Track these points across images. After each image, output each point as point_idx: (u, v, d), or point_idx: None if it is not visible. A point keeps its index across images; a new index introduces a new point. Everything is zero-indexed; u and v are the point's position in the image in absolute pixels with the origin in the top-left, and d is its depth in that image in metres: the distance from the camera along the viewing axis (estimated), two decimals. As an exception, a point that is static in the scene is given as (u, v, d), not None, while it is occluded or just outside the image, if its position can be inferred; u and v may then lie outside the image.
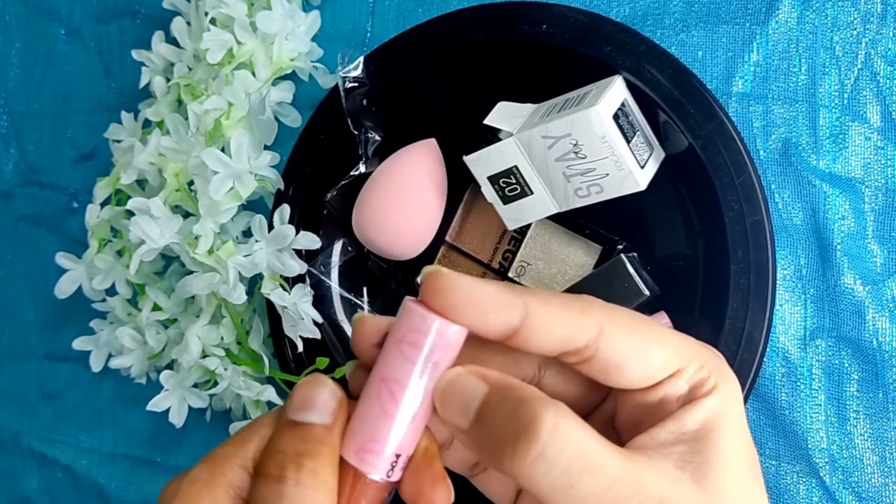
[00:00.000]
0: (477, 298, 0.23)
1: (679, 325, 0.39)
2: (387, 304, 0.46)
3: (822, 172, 0.38)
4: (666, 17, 0.41)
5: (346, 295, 0.45)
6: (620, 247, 0.41)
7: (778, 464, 0.39)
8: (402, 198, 0.42)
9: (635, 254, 0.40)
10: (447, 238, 0.45)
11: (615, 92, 0.36)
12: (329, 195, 0.44)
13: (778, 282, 0.38)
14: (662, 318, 0.39)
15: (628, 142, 0.36)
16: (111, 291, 0.48)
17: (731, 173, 0.37)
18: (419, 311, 0.23)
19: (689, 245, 0.40)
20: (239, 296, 0.42)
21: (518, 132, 0.38)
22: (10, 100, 0.59)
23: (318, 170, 0.44)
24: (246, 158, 0.42)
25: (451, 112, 0.43)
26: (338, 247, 0.46)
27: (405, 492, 0.25)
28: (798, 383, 0.38)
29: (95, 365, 0.50)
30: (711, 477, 0.23)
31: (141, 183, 0.48)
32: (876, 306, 0.37)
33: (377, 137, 0.44)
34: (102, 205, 0.48)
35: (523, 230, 0.43)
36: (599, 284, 0.39)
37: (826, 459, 0.38)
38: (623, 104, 0.37)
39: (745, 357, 0.37)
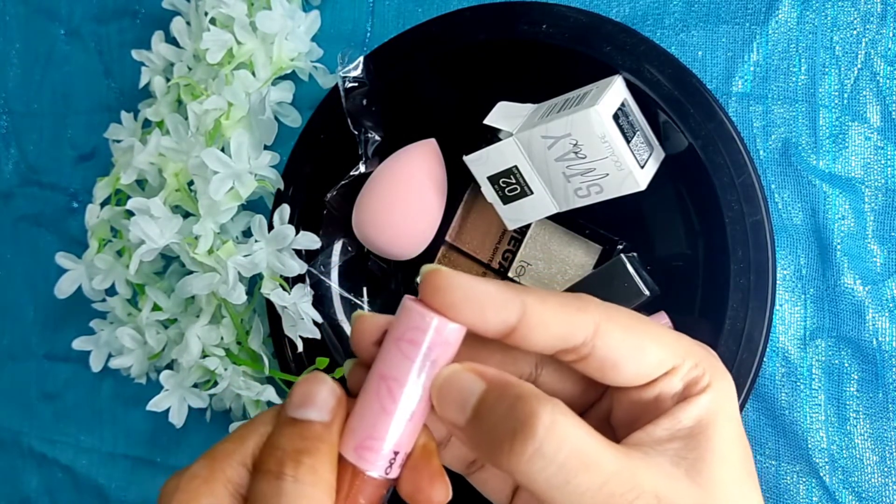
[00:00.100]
0: (475, 297, 0.23)
1: (679, 325, 0.39)
2: (387, 304, 0.46)
3: (822, 172, 0.38)
4: (666, 17, 0.41)
5: (346, 295, 0.45)
6: (620, 247, 0.41)
7: (778, 464, 0.39)
8: (402, 198, 0.42)
9: (635, 254, 0.40)
10: (447, 238, 0.45)
11: (615, 92, 0.36)
12: (329, 195, 0.44)
13: (778, 282, 0.38)
14: (662, 318, 0.39)
15: (628, 142, 0.36)
16: (111, 291, 0.48)
17: (731, 173, 0.37)
18: (418, 309, 0.24)
19: (689, 245, 0.40)
20: (239, 296, 0.42)
21: (518, 132, 0.38)
22: (10, 100, 0.59)
23: (318, 170, 0.44)
24: (246, 158, 0.42)
25: (451, 112, 0.43)
26: (338, 247, 0.46)
27: (403, 489, 0.25)
28: (798, 383, 0.38)
29: (95, 365, 0.50)
30: (706, 473, 0.23)
31: (141, 183, 0.48)
32: (876, 306, 0.37)
33: (377, 137, 0.44)
34: (102, 205, 0.48)
35: (523, 230, 0.43)
36: (599, 284, 0.39)
37: (826, 459, 0.38)
38: (623, 104, 0.37)
39: (745, 357, 0.37)
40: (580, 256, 0.42)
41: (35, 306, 0.58)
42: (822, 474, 0.38)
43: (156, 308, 0.47)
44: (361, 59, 0.43)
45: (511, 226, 0.41)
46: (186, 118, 0.44)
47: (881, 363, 0.37)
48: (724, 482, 0.23)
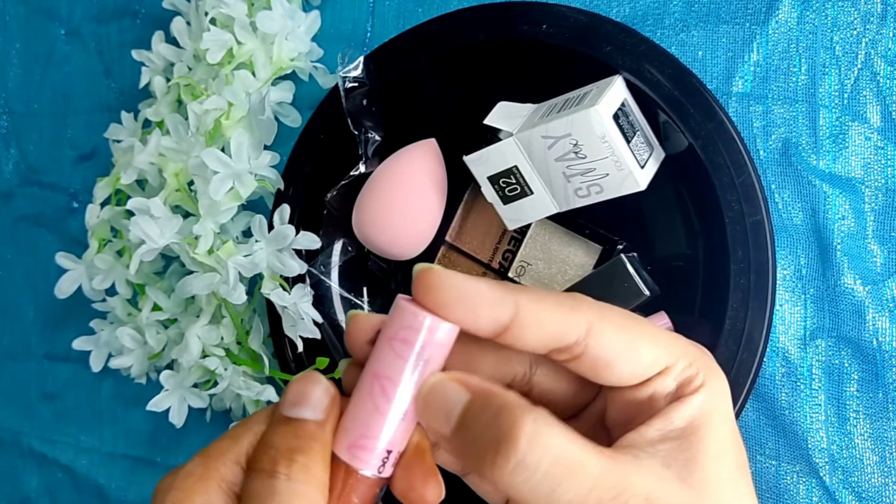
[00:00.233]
0: (468, 295, 0.23)
1: (679, 325, 0.39)
2: (387, 304, 0.46)
3: (822, 172, 0.38)
4: (666, 17, 0.41)
5: (346, 295, 0.45)
6: (620, 247, 0.41)
7: (778, 464, 0.39)
8: (402, 198, 0.42)
9: (635, 254, 0.40)
10: (447, 238, 0.45)
11: (615, 92, 0.36)
12: (329, 195, 0.44)
13: (778, 282, 0.38)
14: (662, 318, 0.39)
15: (628, 142, 0.36)
16: (111, 291, 0.48)
17: (731, 173, 0.37)
18: (411, 308, 0.24)
19: (689, 245, 0.40)
20: (239, 296, 0.42)
21: (518, 132, 0.38)
22: (10, 100, 0.59)
23: (318, 170, 0.44)
24: (246, 158, 0.42)
25: (451, 112, 0.43)
26: (338, 247, 0.46)
27: (396, 487, 0.25)
28: (798, 383, 0.39)
29: (95, 365, 0.50)
30: (698, 474, 0.23)
31: (141, 183, 0.48)
32: (876, 306, 0.37)
33: (377, 137, 0.44)
34: (102, 205, 0.48)
35: (523, 230, 0.43)
36: (599, 284, 0.39)
37: (826, 459, 0.38)
38: (623, 104, 0.37)
39: (745, 357, 0.37)
40: (580, 256, 0.42)
41: (35, 306, 0.58)
42: (822, 474, 0.38)
43: (156, 308, 0.47)
44: (361, 59, 0.43)
45: (511, 226, 0.41)
46: (186, 118, 0.44)
47: (881, 363, 0.37)
48: (716, 482, 0.23)
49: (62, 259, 0.49)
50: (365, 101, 0.43)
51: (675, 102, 0.37)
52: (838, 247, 0.38)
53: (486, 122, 0.39)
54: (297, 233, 0.42)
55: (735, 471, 0.24)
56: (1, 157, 0.59)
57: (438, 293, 0.23)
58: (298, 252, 0.43)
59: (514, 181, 0.39)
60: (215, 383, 0.45)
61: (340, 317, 0.45)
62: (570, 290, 0.41)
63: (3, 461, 0.58)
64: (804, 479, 0.38)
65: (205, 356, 0.44)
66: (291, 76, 0.48)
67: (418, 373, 0.24)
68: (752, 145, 0.39)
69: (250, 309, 0.47)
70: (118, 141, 0.50)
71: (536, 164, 0.38)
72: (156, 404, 0.45)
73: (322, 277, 0.45)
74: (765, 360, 0.38)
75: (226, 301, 0.43)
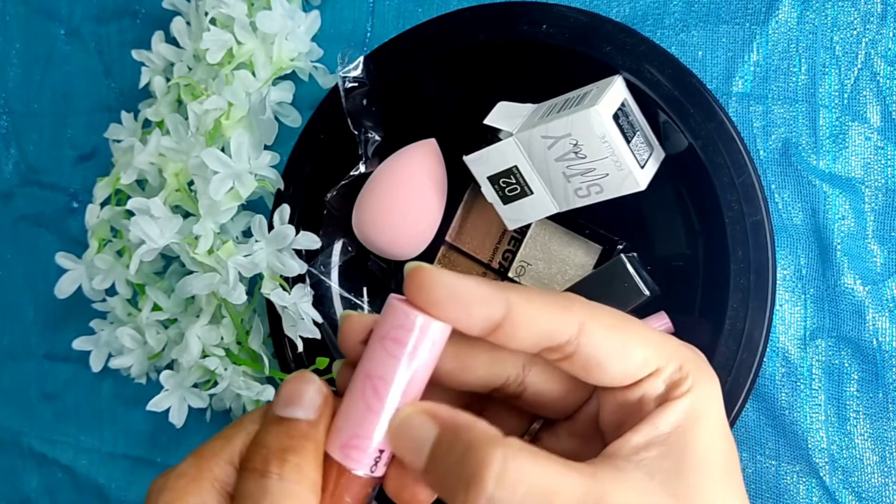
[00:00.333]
0: (459, 294, 0.23)
1: (679, 325, 0.39)
2: (387, 305, 0.46)
3: (822, 172, 0.38)
4: (666, 17, 0.41)
5: (346, 295, 0.45)
6: (620, 247, 0.41)
7: (778, 464, 0.39)
8: (402, 198, 0.42)
9: (635, 254, 0.40)
10: (447, 238, 0.45)
11: (615, 92, 0.36)
12: (329, 195, 0.44)
13: (778, 282, 0.38)
14: (662, 318, 0.39)
15: (628, 142, 0.36)
16: (111, 291, 0.48)
17: (731, 173, 0.37)
18: (402, 307, 0.24)
19: (689, 245, 0.40)
20: (239, 296, 0.42)
21: (518, 132, 0.38)
22: (10, 100, 0.59)
23: (318, 170, 0.44)
24: (246, 158, 0.42)
25: (451, 112, 0.43)
26: (338, 247, 0.46)
27: (389, 487, 0.25)
28: (798, 383, 0.39)
29: (95, 365, 0.50)
30: (683, 481, 0.23)
31: (141, 183, 0.48)
32: (876, 306, 0.37)
33: (377, 137, 0.44)
34: (102, 205, 0.48)
35: (523, 230, 0.43)
36: (599, 284, 0.39)
37: (826, 459, 0.38)
38: (623, 104, 0.37)
39: (745, 357, 0.37)
40: (580, 256, 0.42)
41: (35, 306, 0.58)
42: (822, 474, 0.38)
43: (156, 308, 0.47)
44: (361, 59, 0.43)
45: (511, 226, 0.41)
46: (186, 118, 0.44)
47: (881, 363, 0.37)
48: (701, 488, 0.23)
49: (62, 259, 0.49)
50: (365, 101, 0.43)
51: (675, 102, 0.37)
52: (838, 247, 0.38)
53: (486, 122, 0.39)
54: (297, 233, 0.42)
55: (723, 476, 0.24)
56: (1, 157, 0.59)
57: (430, 291, 0.23)
58: (298, 252, 0.43)
59: (514, 181, 0.39)
60: (215, 383, 0.45)
61: (340, 317, 0.45)
62: (569, 290, 0.41)
63: (3, 461, 0.58)
64: (804, 479, 0.38)
65: (205, 356, 0.44)
66: (291, 76, 0.48)
67: (411, 372, 0.24)
68: (752, 145, 0.39)
69: (250, 309, 0.47)
70: (118, 141, 0.50)
71: (536, 164, 0.38)
72: (156, 404, 0.45)
73: (322, 277, 0.45)
74: (765, 360, 0.38)
75: (226, 301, 0.43)
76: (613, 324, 0.24)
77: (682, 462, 0.23)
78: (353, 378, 0.24)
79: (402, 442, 0.24)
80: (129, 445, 0.54)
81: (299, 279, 0.44)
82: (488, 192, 0.40)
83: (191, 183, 0.44)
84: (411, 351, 0.23)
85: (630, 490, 0.22)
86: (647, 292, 0.38)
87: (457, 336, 0.24)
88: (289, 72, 0.47)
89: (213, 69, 0.46)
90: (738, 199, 0.37)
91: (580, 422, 0.27)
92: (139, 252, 0.42)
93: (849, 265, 0.38)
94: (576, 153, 0.37)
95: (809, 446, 0.38)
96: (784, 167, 0.39)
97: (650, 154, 0.38)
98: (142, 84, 0.50)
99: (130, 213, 0.44)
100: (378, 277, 0.46)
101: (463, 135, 0.41)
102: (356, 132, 0.43)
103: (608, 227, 0.41)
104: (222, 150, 0.42)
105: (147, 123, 0.49)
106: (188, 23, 0.48)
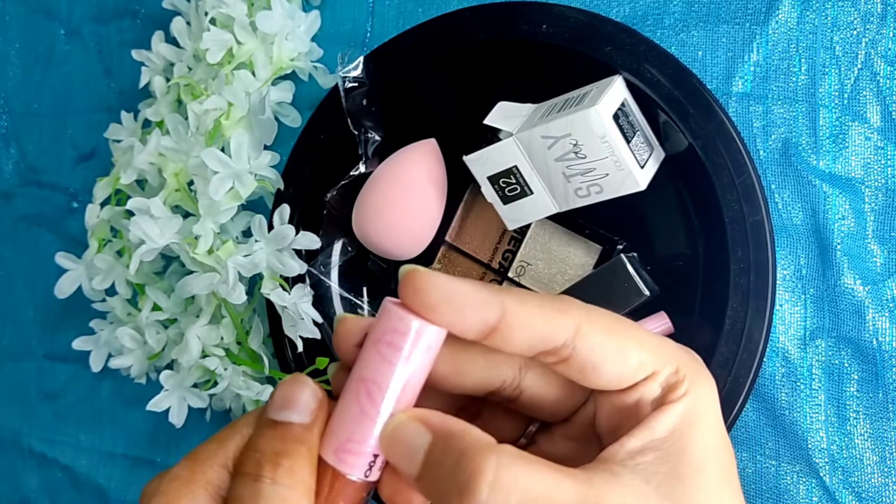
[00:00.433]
0: (454, 297, 0.23)
1: (679, 325, 0.39)
2: (387, 305, 0.46)
3: (822, 172, 0.38)
4: (666, 17, 0.41)
5: (346, 295, 0.45)
6: (620, 247, 0.41)
7: (778, 464, 0.39)
8: (402, 198, 0.42)
9: (635, 254, 0.40)
10: (447, 238, 0.45)
11: (615, 92, 0.36)
12: (329, 195, 0.44)
13: (778, 282, 0.38)
14: (662, 318, 0.39)
15: (628, 142, 0.36)
16: (111, 291, 0.48)
17: (731, 173, 0.37)
18: (397, 311, 0.23)
19: (689, 245, 0.40)
20: (239, 296, 0.42)
21: (518, 132, 0.38)
22: (10, 100, 0.59)
23: (318, 170, 0.44)
24: (246, 158, 0.42)
25: (451, 112, 0.43)
26: (338, 247, 0.46)
27: (383, 492, 0.25)
28: (798, 383, 0.38)
29: (95, 365, 0.50)
30: (679, 486, 0.23)
31: (141, 183, 0.48)
32: (876, 306, 0.37)
33: (377, 137, 0.44)
34: (102, 205, 0.48)
35: (523, 230, 0.43)
36: (599, 284, 0.39)
37: (826, 459, 0.38)
38: (623, 104, 0.37)
39: (745, 357, 0.37)
40: (580, 256, 0.42)
41: (35, 306, 0.58)
42: (822, 474, 0.38)
43: (156, 308, 0.47)
44: (361, 59, 0.43)
45: (511, 226, 0.41)
46: (186, 118, 0.44)
47: (881, 363, 0.37)
48: (698, 493, 0.23)
49: (62, 259, 0.49)
50: (365, 101, 0.43)
51: (675, 102, 0.37)
52: (838, 247, 0.38)
53: (486, 122, 0.39)
54: (297, 233, 0.42)
55: (720, 481, 0.24)
56: (1, 157, 0.59)
57: (425, 295, 0.23)
58: (298, 252, 0.43)
59: (513, 181, 0.39)
60: (215, 383, 0.45)
61: (340, 317, 0.45)
62: (570, 290, 0.41)
63: (3, 461, 0.58)
64: (804, 479, 0.38)
65: (205, 356, 0.44)
66: (291, 76, 0.48)
67: (406, 376, 0.24)
68: (752, 145, 0.39)
69: (250, 309, 0.47)
70: (118, 141, 0.50)
71: (536, 164, 0.38)
72: (156, 404, 0.45)
73: (322, 277, 0.45)
74: (765, 360, 0.38)
75: (226, 301, 0.43)
76: (610, 327, 0.24)
77: (678, 467, 0.23)
78: (347, 381, 0.24)
79: (395, 449, 0.23)
80: (128, 445, 0.54)
81: (299, 279, 0.44)
82: (488, 192, 0.40)
83: (191, 183, 0.44)
84: (406, 355, 0.23)
85: (626, 495, 0.22)
86: (647, 292, 0.38)
87: (452, 339, 0.24)
88: (289, 72, 0.47)
89: (213, 69, 0.46)
90: (738, 199, 0.37)
91: (576, 425, 0.27)
92: (139, 252, 0.42)
93: (849, 265, 0.38)
94: (576, 153, 0.37)
95: (809, 446, 0.38)
96: (784, 167, 0.39)
97: (650, 154, 0.38)
98: (142, 84, 0.50)
99: (130, 213, 0.44)
100: (378, 277, 0.46)
101: (463, 135, 0.41)
102: (356, 132, 0.43)
103: (608, 227, 0.41)
104: (222, 150, 0.42)
105: (147, 123, 0.49)
106: (188, 23, 0.48)
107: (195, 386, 0.46)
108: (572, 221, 0.42)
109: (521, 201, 0.40)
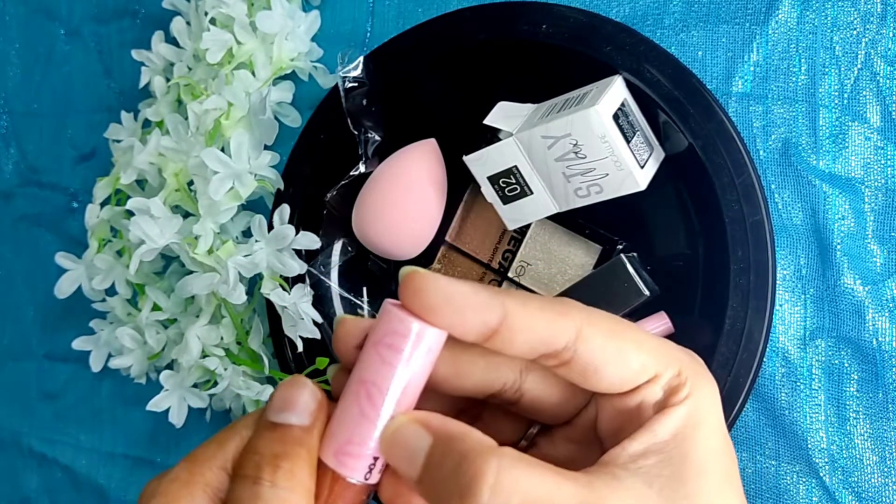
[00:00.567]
0: (455, 299, 0.23)
1: (679, 325, 0.39)
2: (387, 305, 0.46)
3: (822, 172, 0.38)
4: (666, 17, 0.41)
5: (346, 295, 0.45)
6: (620, 247, 0.41)
7: (778, 464, 0.39)
8: (402, 198, 0.42)
9: (635, 254, 0.40)
10: (447, 238, 0.45)
11: (615, 92, 0.36)
12: (329, 195, 0.44)
13: (778, 282, 0.38)
14: (662, 318, 0.39)
15: (628, 142, 0.36)
16: (111, 291, 0.48)
17: (731, 173, 0.37)
18: (398, 313, 0.23)
19: (689, 245, 0.40)
20: (239, 296, 0.42)
21: (518, 132, 0.38)
22: (10, 100, 0.59)
23: (318, 170, 0.44)
24: (246, 158, 0.42)
25: (451, 112, 0.43)
26: (338, 247, 0.46)
27: (383, 494, 0.25)
28: (798, 383, 0.39)
29: (95, 365, 0.50)
30: (682, 490, 0.23)
31: (141, 183, 0.48)
32: (876, 306, 0.37)
33: (377, 137, 0.44)
34: (102, 205, 0.48)
35: (523, 230, 0.43)
36: (599, 284, 0.39)
37: (826, 459, 0.38)
38: (623, 104, 0.37)
39: (745, 357, 0.37)
40: (580, 256, 0.42)
41: (35, 306, 0.58)
42: (822, 474, 0.38)
43: (156, 308, 0.47)
44: (361, 59, 0.43)
45: (511, 226, 0.41)
46: (186, 118, 0.44)
47: (881, 363, 0.37)
48: (700, 496, 0.23)
49: (62, 259, 0.49)
50: (365, 101, 0.43)
51: (675, 102, 0.37)
52: (838, 247, 0.38)
53: (486, 122, 0.39)
54: (297, 233, 0.42)
55: (722, 483, 0.24)
56: (1, 157, 0.59)
57: (425, 297, 0.23)
58: (298, 252, 0.43)
59: (513, 181, 0.39)
60: (215, 383, 0.45)
61: (340, 317, 0.45)
62: (570, 290, 0.41)
63: (3, 461, 0.58)
64: (804, 479, 0.38)
65: (205, 356, 0.44)
66: (291, 76, 0.48)
67: (406, 379, 0.23)
68: (752, 145, 0.39)
69: (250, 309, 0.47)
70: (118, 141, 0.50)
71: (536, 164, 0.38)
72: (156, 404, 0.45)
73: (322, 277, 0.45)
74: (765, 360, 0.38)
75: (226, 301, 0.43)
76: (611, 329, 0.24)
77: (681, 470, 0.23)
78: (347, 383, 0.24)
79: (396, 451, 0.23)
80: (128, 445, 0.54)
81: (299, 279, 0.44)
82: (488, 192, 0.40)
83: (191, 183, 0.44)
84: (407, 357, 0.23)
85: (628, 499, 0.22)
86: (647, 292, 0.38)
87: (453, 341, 0.24)
88: (289, 72, 0.47)
89: (213, 69, 0.46)
90: (738, 199, 0.37)
91: (578, 428, 0.27)
92: (139, 252, 0.42)
93: (849, 265, 0.38)
94: (576, 153, 0.37)
95: (809, 446, 0.38)
96: (784, 167, 0.39)
97: (650, 154, 0.38)
98: (142, 84, 0.50)
99: (130, 213, 0.44)
100: (378, 277, 0.46)
101: (463, 135, 0.41)
102: (356, 132, 0.43)
103: (608, 227, 0.41)
104: (222, 150, 0.42)
105: (147, 123, 0.49)
106: (188, 23, 0.48)
107: (195, 386, 0.46)
108: (572, 221, 0.42)
109: (521, 201, 0.40)
